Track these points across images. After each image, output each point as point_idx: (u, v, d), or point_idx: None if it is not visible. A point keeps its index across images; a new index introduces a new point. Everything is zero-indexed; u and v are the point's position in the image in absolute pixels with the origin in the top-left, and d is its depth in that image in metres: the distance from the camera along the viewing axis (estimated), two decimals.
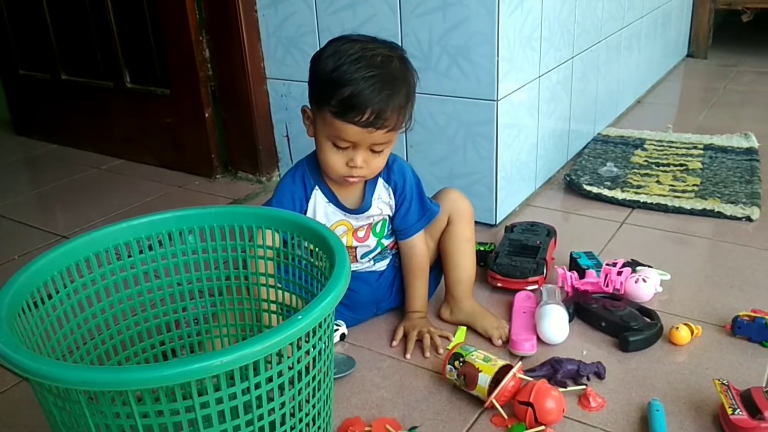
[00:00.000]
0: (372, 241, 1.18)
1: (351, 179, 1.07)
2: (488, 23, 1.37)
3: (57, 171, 2.10)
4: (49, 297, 0.79)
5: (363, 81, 0.97)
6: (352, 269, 1.17)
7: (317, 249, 0.85)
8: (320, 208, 1.13)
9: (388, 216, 1.18)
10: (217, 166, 1.94)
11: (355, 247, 1.18)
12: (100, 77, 2.09)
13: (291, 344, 0.65)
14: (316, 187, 1.13)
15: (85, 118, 2.20)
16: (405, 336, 1.17)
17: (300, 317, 0.65)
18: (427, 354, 1.12)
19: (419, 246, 1.19)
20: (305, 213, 1.13)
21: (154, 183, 1.95)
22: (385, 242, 1.21)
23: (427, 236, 1.21)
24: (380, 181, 1.14)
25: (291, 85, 1.75)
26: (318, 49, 1.07)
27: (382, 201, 1.15)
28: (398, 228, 1.18)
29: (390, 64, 1.01)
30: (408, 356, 1.13)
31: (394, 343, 1.16)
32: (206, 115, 1.87)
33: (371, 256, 1.20)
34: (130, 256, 0.89)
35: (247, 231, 0.91)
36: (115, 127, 2.12)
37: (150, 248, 0.90)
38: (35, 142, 2.37)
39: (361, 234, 1.17)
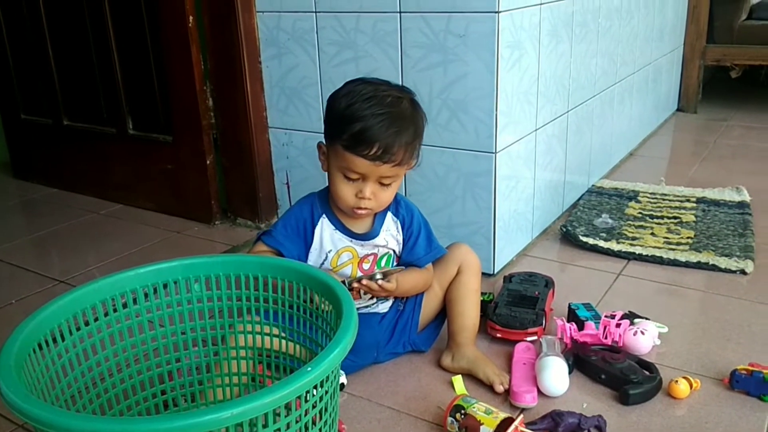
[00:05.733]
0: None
1: (359, 211, 1.12)
2: (487, 79, 1.41)
3: (55, 215, 2.10)
4: (56, 343, 0.79)
5: (373, 117, 1.05)
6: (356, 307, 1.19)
7: (323, 299, 0.86)
8: (327, 235, 1.17)
9: (393, 252, 1.21)
10: (217, 212, 1.95)
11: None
12: (102, 123, 2.12)
13: (299, 396, 0.66)
14: (324, 216, 1.17)
15: (85, 163, 2.22)
16: None
17: (309, 369, 0.65)
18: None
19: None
20: (309, 240, 1.17)
21: (152, 228, 1.96)
22: None
23: (436, 284, 1.25)
24: (389, 214, 1.20)
25: (292, 134, 1.78)
26: (319, 100, 1.13)
27: (390, 233, 1.20)
28: (405, 261, 1.22)
29: (400, 104, 1.09)
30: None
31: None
32: (207, 162, 1.89)
33: None
34: (135, 304, 0.89)
35: (253, 280, 0.92)
36: (116, 173, 2.14)
37: (155, 294, 0.91)
38: (34, 186, 2.38)
39: (366, 266, 1.19)
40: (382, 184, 1.11)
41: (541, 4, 1.54)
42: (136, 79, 1.99)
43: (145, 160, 2.04)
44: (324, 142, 1.14)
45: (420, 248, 1.21)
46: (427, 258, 1.22)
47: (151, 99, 1.97)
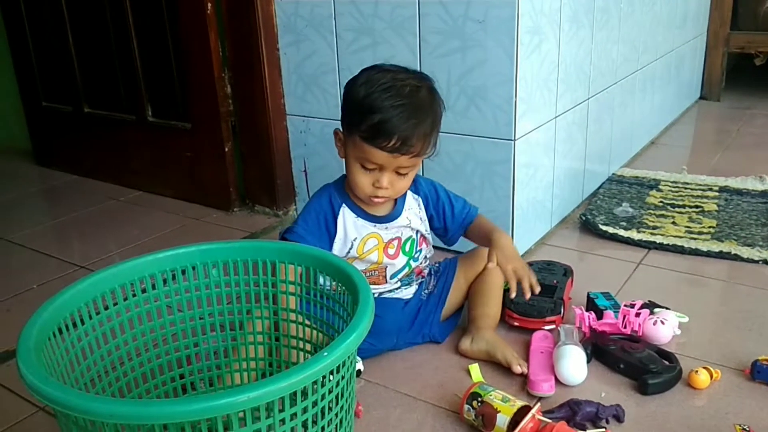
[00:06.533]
0: (401, 260, 1.22)
1: (376, 200, 1.13)
2: (507, 65, 1.40)
3: (76, 202, 2.12)
4: (75, 327, 0.80)
5: (392, 109, 1.04)
6: (380, 291, 1.22)
7: (340, 284, 0.86)
8: (350, 223, 1.17)
9: (417, 232, 1.22)
10: (235, 200, 1.96)
11: (386, 266, 1.21)
12: (122, 110, 2.13)
13: (315, 381, 0.66)
14: (344, 205, 1.18)
15: (105, 151, 2.23)
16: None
17: (326, 354, 0.65)
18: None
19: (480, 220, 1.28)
20: (333, 232, 1.17)
21: (171, 215, 1.98)
22: (413, 264, 1.24)
23: (461, 276, 1.28)
24: (409, 193, 1.22)
25: (310, 121, 1.78)
26: (337, 87, 1.12)
27: (412, 212, 1.22)
28: (451, 230, 1.26)
29: (418, 93, 1.08)
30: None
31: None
32: (226, 149, 1.90)
33: (400, 276, 1.23)
34: (154, 289, 0.90)
35: (270, 266, 0.92)
36: (135, 160, 2.15)
37: (174, 279, 0.91)
38: (56, 173, 2.40)
39: (391, 251, 1.20)
40: (399, 174, 1.11)
41: None
42: (156, 67, 1.99)
43: (164, 147, 2.05)
44: (341, 129, 1.13)
45: (459, 208, 1.25)
46: (473, 212, 1.27)
47: (170, 86, 1.97)
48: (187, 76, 1.90)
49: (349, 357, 0.72)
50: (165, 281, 0.90)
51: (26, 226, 1.96)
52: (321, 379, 0.67)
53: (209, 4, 1.77)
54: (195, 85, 1.88)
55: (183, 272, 0.91)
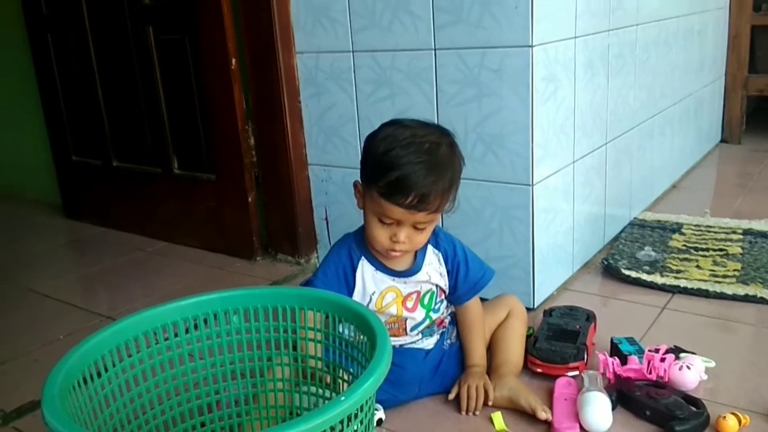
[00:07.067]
0: (420, 314, 1.21)
1: (394, 253, 1.13)
2: (522, 113, 1.42)
3: (103, 253, 2.17)
4: (99, 375, 0.81)
5: (410, 166, 1.04)
6: (401, 343, 1.22)
7: (358, 330, 0.86)
8: (368, 276, 1.17)
9: (436, 287, 1.21)
10: (258, 249, 1.98)
11: (405, 319, 1.20)
12: (149, 163, 2.19)
13: (333, 427, 0.66)
14: (363, 258, 1.17)
15: (133, 203, 2.29)
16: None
17: (343, 399, 0.66)
18: (464, 406, 1.17)
19: (474, 305, 1.26)
20: (352, 284, 1.17)
21: (195, 265, 2.00)
22: (434, 316, 1.24)
23: (485, 328, 1.28)
24: (429, 247, 1.20)
25: (331, 170, 1.81)
26: (357, 137, 1.14)
27: (432, 267, 1.20)
28: (461, 291, 1.23)
29: (438, 150, 1.08)
30: (463, 411, 1.17)
31: (450, 396, 1.20)
32: (249, 199, 1.94)
33: (420, 328, 1.23)
34: (176, 336, 0.91)
35: (290, 312, 0.93)
36: (161, 211, 2.20)
37: (196, 327, 0.93)
38: (84, 225, 2.46)
39: (410, 304, 1.20)
40: (417, 228, 1.10)
41: (575, 37, 1.55)
42: (182, 120, 2.06)
43: (189, 198, 2.10)
44: (360, 181, 1.14)
45: (474, 271, 1.23)
46: (487, 276, 1.24)
47: (195, 139, 2.03)
48: (212, 129, 1.95)
49: (366, 402, 0.72)
50: (187, 329, 0.91)
51: (54, 278, 2.00)
52: (339, 425, 0.67)
53: (233, 59, 1.83)
54: (219, 137, 1.94)
55: (205, 320, 0.92)
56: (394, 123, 1.11)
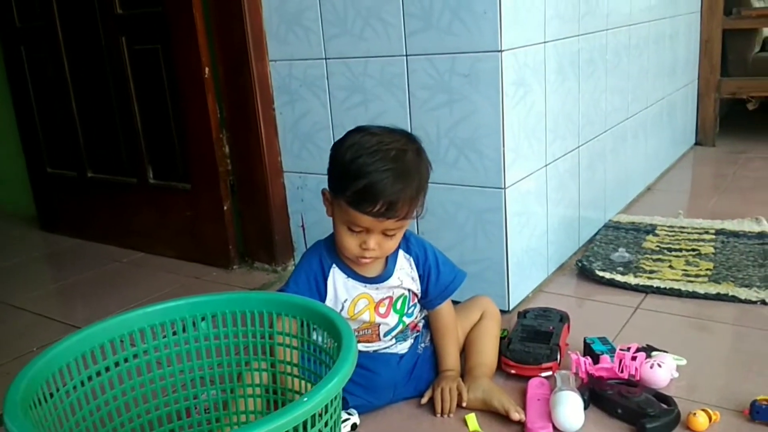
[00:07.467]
0: (393, 319, 1.21)
1: (364, 260, 1.13)
2: (493, 117, 1.43)
3: (79, 265, 2.15)
4: (64, 383, 0.81)
5: (377, 174, 1.03)
6: (374, 349, 1.22)
7: (326, 333, 0.86)
8: (340, 284, 1.17)
9: (409, 291, 1.21)
10: (234, 257, 1.98)
11: (378, 324, 1.20)
12: (124, 174, 2.18)
13: (296, 428, 0.66)
14: (334, 265, 1.17)
15: (108, 214, 2.27)
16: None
17: (306, 399, 0.66)
18: (438, 409, 1.17)
19: (446, 309, 1.26)
20: (323, 293, 1.17)
21: (172, 275, 1.99)
22: (407, 320, 1.23)
23: (459, 330, 1.28)
24: (401, 252, 1.20)
25: (306, 177, 1.81)
26: (331, 143, 1.14)
27: (404, 272, 1.20)
28: (432, 295, 1.23)
29: (404, 157, 1.07)
30: (437, 414, 1.17)
31: (424, 399, 1.20)
32: (225, 207, 1.93)
33: (393, 334, 1.23)
34: (144, 343, 0.91)
35: (258, 317, 0.93)
36: (137, 222, 2.19)
37: (174, 333, 0.92)
38: (60, 238, 2.44)
39: (382, 309, 1.20)
40: (386, 235, 1.10)
41: (545, 42, 1.57)
42: (156, 130, 2.05)
43: (165, 208, 2.09)
44: (328, 189, 1.13)
45: (445, 275, 1.23)
46: (458, 280, 1.24)
47: (170, 148, 2.03)
48: (187, 138, 1.95)
49: (332, 402, 0.72)
50: (154, 335, 0.91)
51: (29, 290, 1.98)
52: (302, 425, 0.67)
53: (207, 69, 1.83)
54: (194, 146, 1.93)
55: (172, 326, 0.92)
56: (360, 130, 1.10)
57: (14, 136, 2.51)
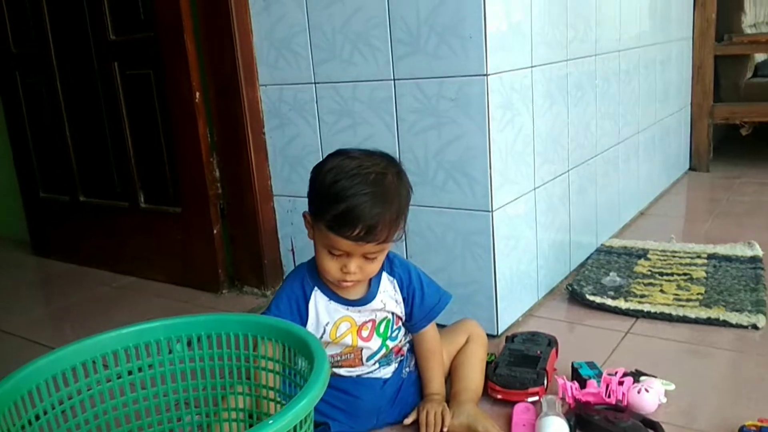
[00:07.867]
0: (376, 343, 1.19)
1: (345, 284, 1.11)
2: (480, 140, 1.43)
3: (69, 290, 2.14)
4: (33, 405, 0.79)
5: (356, 198, 1.02)
6: (357, 373, 1.20)
7: (300, 355, 0.85)
8: (322, 307, 1.15)
9: (392, 314, 1.20)
10: (224, 281, 1.97)
11: (361, 349, 1.19)
12: (116, 198, 2.18)
13: None
14: (316, 288, 1.16)
15: (100, 238, 2.27)
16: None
17: (271, 422, 0.64)
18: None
19: (430, 332, 1.24)
20: (305, 316, 1.15)
21: (162, 299, 1.98)
22: (390, 344, 1.22)
23: (444, 354, 1.26)
24: (384, 274, 1.19)
25: (296, 201, 1.81)
26: None
27: (387, 294, 1.18)
28: (417, 318, 1.21)
29: (384, 180, 1.06)
30: None
31: (407, 420, 1.19)
32: (215, 231, 1.93)
33: (376, 358, 1.21)
34: (117, 366, 0.89)
35: (235, 339, 0.92)
36: (128, 246, 2.18)
37: (170, 351, 0.91)
38: (52, 262, 2.43)
39: (365, 333, 1.18)
40: (367, 258, 1.09)
41: (532, 66, 1.58)
42: (147, 154, 2.05)
43: (156, 232, 2.08)
44: (309, 212, 1.13)
45: (430, 297, 1.21)
46: (443, 302, 1.23)
47: (161, 172, 2.03)
48: (177, 162, 1.95)
49: (300, 424, 0.70)
50: (128, 357, 0.90)
51: (19, 315, 1.97)
52: None
53: (198, 93, 1.84)
54: (185, 170, 1.93)
55: (147, 348, 0.90)
56: (339, 154, 1.09)
57: (8, 159, 2.52)
